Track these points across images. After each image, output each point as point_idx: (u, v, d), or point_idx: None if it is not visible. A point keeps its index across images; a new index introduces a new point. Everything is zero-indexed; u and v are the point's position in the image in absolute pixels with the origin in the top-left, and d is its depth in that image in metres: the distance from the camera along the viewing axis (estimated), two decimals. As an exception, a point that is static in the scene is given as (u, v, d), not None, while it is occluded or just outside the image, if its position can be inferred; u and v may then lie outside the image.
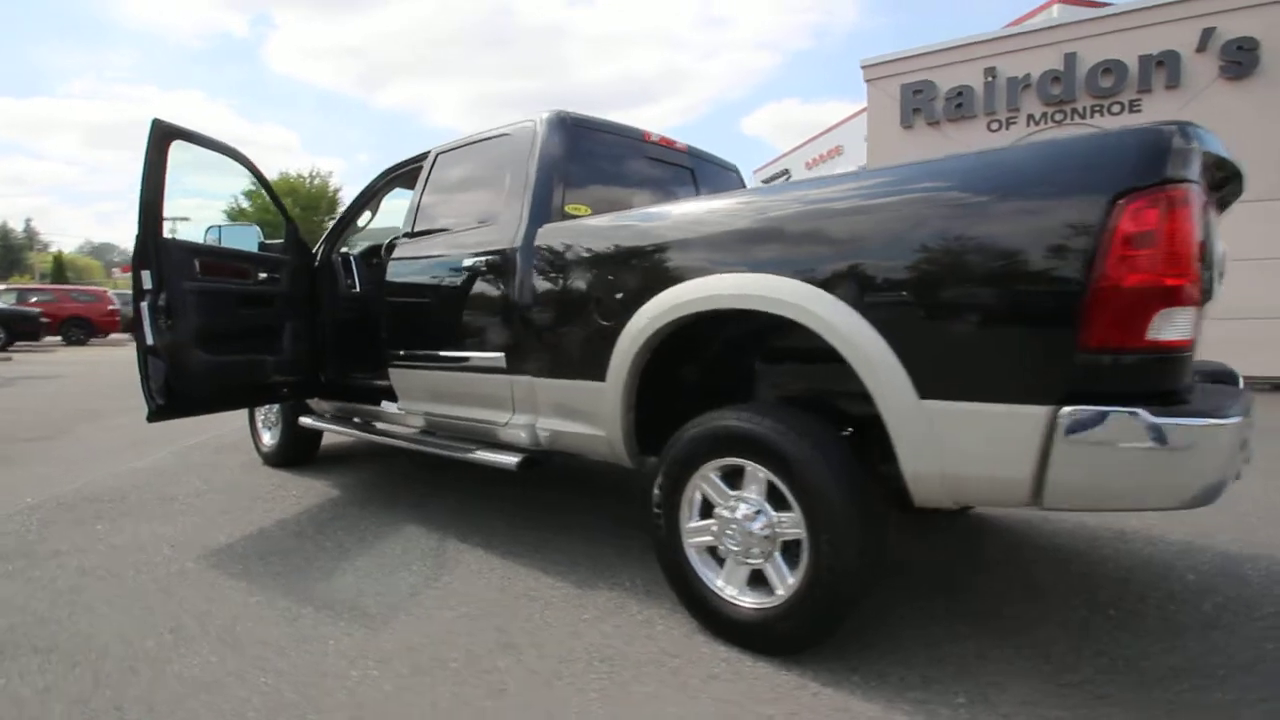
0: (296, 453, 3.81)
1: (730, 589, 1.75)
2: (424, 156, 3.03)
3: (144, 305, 2.60)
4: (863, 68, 12.85)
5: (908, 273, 1.38)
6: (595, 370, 2.03)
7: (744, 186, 3.50)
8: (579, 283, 2.09)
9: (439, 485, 3.37)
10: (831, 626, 1.60)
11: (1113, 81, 10.60)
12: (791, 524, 1.62)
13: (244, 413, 4.21)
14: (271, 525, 2.80)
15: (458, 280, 2.52)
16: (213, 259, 2.99)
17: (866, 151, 13.73)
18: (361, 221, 3.59)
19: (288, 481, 3.50)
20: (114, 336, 18.94)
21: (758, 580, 1.73)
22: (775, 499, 1.67)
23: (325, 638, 1.81)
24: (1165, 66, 10.22)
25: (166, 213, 2.65)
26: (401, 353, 2.81)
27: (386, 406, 3.07)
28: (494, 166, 2.60)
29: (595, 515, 2.87)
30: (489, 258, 2.38)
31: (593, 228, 2.14)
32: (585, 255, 2.08)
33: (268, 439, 3.92)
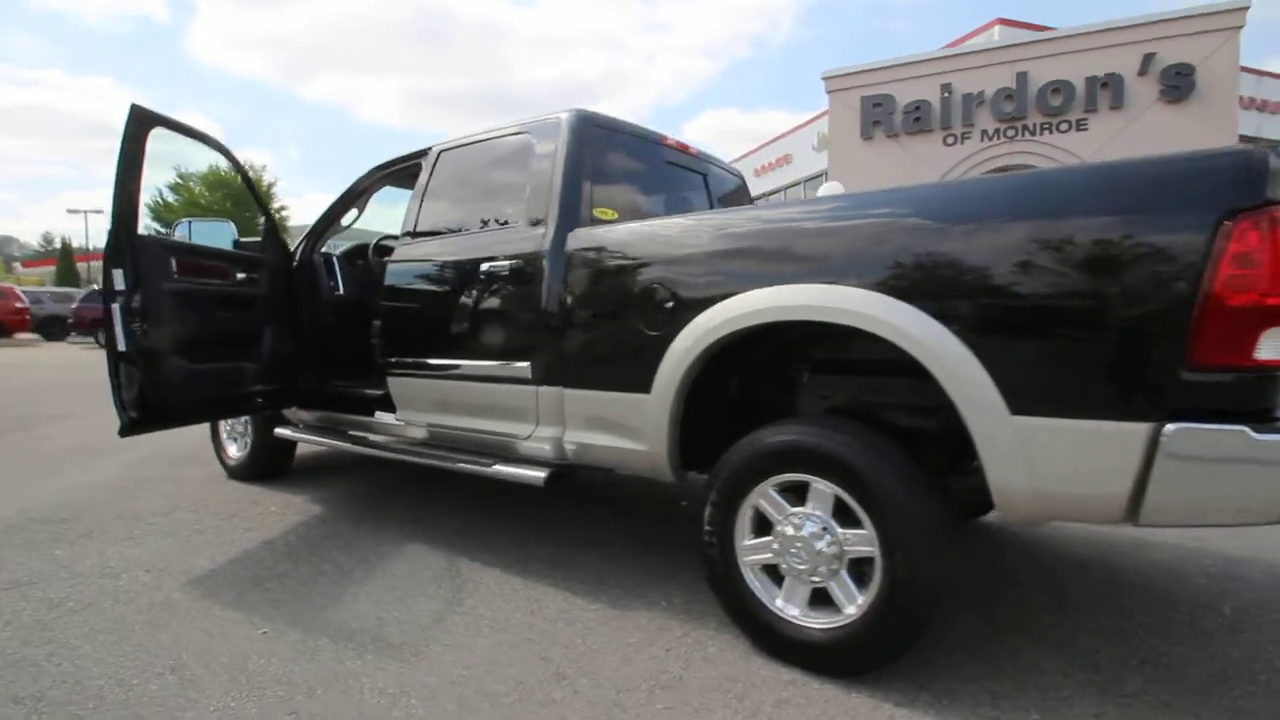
0: (269, 465, 3.57)
1: (792, 609, 1.72)
2: (422, 154, 2.89)
3: (116, 307, 2.38)
4: (824, 79, 13.24)
5: (1000, 287, 1.38)
6: (638, 382, 1.96)
7: (748, 193, 3.50)
8: (620, 290, 2.02)
9: (431, 500, 3.22)
10: (906, 645, 1.59)
11: (1061, 100, 11.26)
12: (862, 541, 1.60)
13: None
14: (257, 546, 2.60)
15: (474, 285, 2.41)
16: (190, 257, 2.76)
17: (828, 161, 14.13)
18: (346, 220, 3.40)
19: (262, 497, 3.28)
20: (21, 336, 17.50)
21: (819, 599, 1.70)
22: (840, 515, 1.65)
23: (355, 674, 1.67)
24: (1110, 88, 10.94)
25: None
26: (403, 361, 2.66)
27: (381, 417, 2.90)
28: (511, 166, 2.50)
29: (604, 529, 2.79)
30: (512, 262, 2.27)
31: (637, 232, 2.07)
32: (628, 262, 2.02)
33: (234, 451, 3.66)
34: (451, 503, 3.15)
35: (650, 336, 1.92)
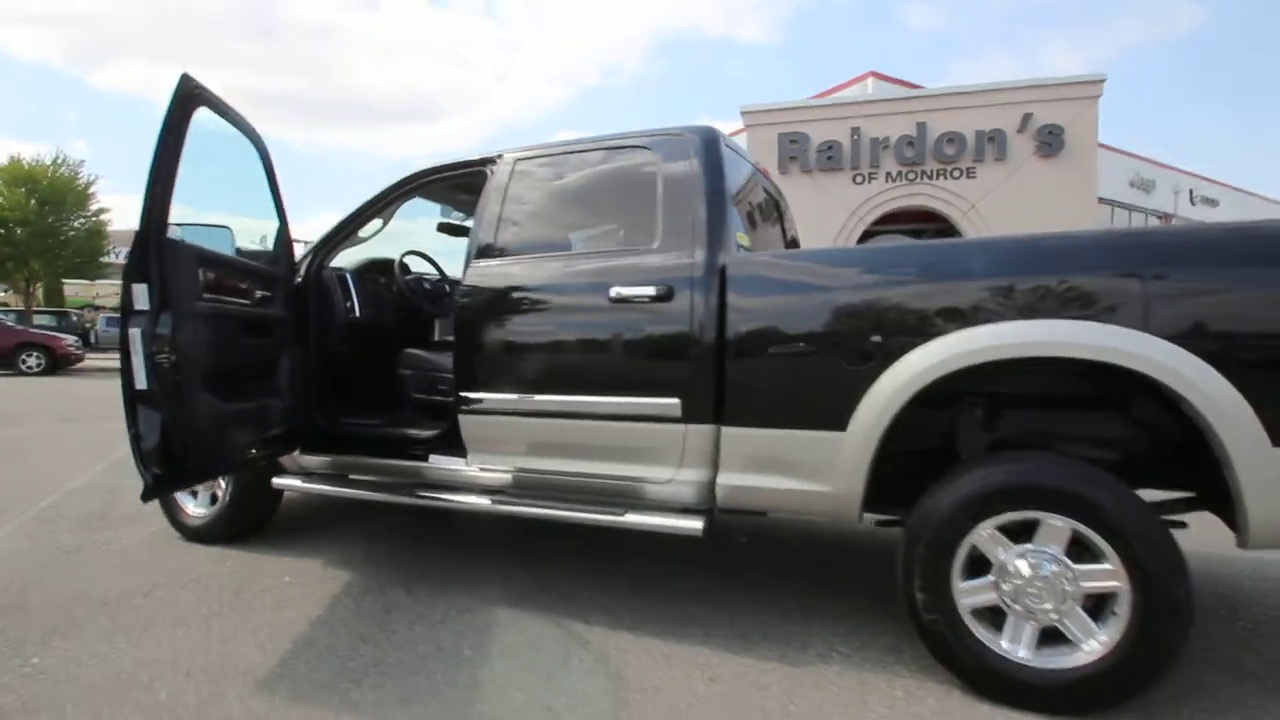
0: (249, 522, 3.02)
1: (1020, 650, 1.72)
2: (485, 163, 2.65)
3: (137, 332, 1.92)
4: (742, 113, 14.02)
5: (1268, 321, 1.50)
6: (830, 419, 1.89)
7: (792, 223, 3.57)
8: (806, 322, 1.95)
9: (470, 554, 2.88)
10: (1152, 678, 1.63)
11: (955, 150, 12.79)
12: (1103, 576, 1.65)
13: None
14: (307, 628, 2.16)
15: (598, 313, 2.21)
16: (223, 271, 2.30)
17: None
18: (365, 233, 3.02)
19: (256, 564, 2.75)
20: None
21: (1046, 638, 1.72)
22: (1073, 550, 1.69)
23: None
24: (995, 142, 12.60)
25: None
26: (485, 398, 2.38)
27: (439, 462, 2.56)
28: (627, 183, 2.35)
29: (691, 579, 2.64)
30: (654, 289, 2.12)
31: (831, 259, 2.03)
32: (819, 292, 1.95)
33: (194, 507, 3.06)
34: (494, 556, 2.84)
35: (850, 371, 1.87)
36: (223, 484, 2.98)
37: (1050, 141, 12.28)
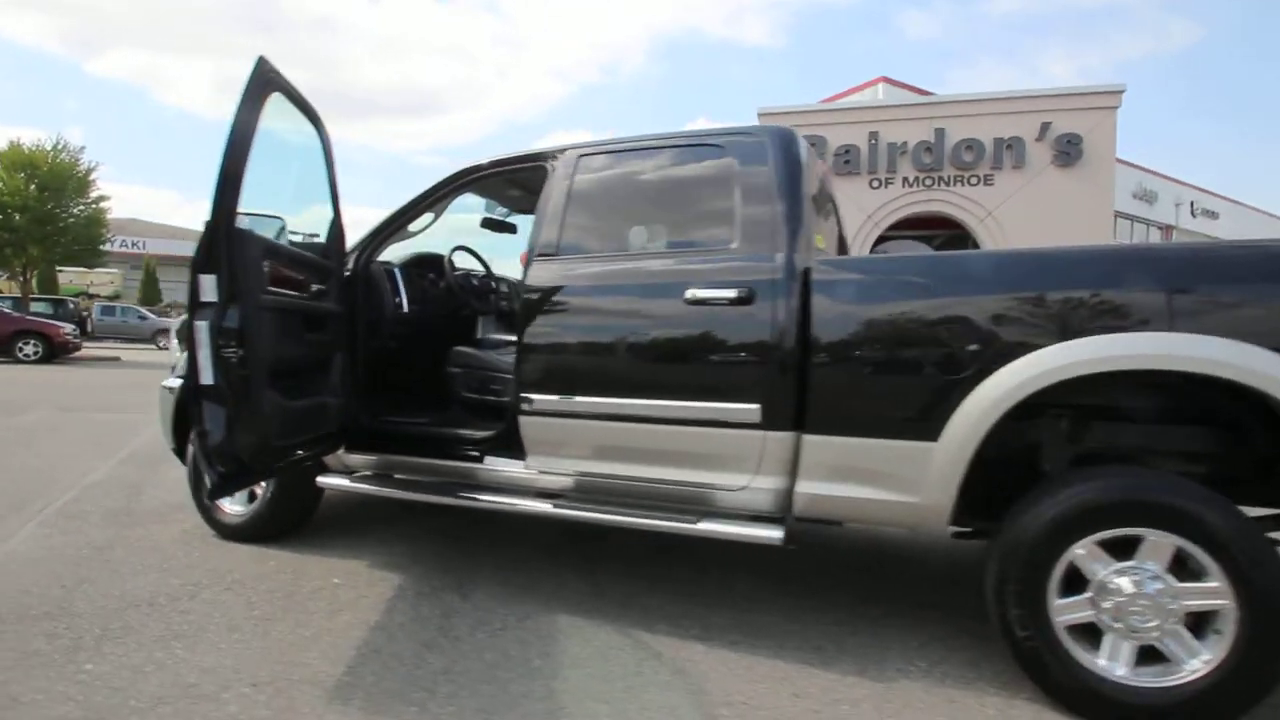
0: (290, 521, 2.98)
1: (1119, 669, 1.69)
2: (546, 157, 2.61)
3: (203, 326, 1.87)
4: (760, 116, 13.99)
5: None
6: (922, 429, 1.86)
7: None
8: (898, 329, 1.91)
9: (507, 549, 2.84)
10: (1258, 699, 1.60)
11: (973, 157, 12.78)
12: (1207, 594, 1.62)
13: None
14: (367, 634, 2.11)
15: (673, 315, 2.17)
16: (286, 264, 2.26)
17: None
18: (416, 227, 2.98)
19: (299, 565, 2.70)
20: None
21: (1142, 657, 1.70)
22: (1173, 567, 1.66)
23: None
24: (1013, 150, 12.60)
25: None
26: (548, 400, 2.33)
27: (495, 464, 2.52)
28: (702, 183, 2.32)
29: (742, 585, 2.61)
30: (733, 291, 2.08)
31: (924, 265, 1.99)
32: (909, 297, 1.92)
33: (230, 505, 3.01)
34: (542, 559, 2.79)
35: (944, 380, 1.84)
36: (263, 482, 2.93)
37: (1069, 151, 12.29)
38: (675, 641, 2.12)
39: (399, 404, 2.94)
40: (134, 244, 33.39)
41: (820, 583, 2.67)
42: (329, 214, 2.62)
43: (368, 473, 2.79)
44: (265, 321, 1.99)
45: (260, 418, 1.95)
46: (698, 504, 2.19)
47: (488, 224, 3.55)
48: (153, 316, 23.76)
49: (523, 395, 2.37)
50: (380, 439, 2.75)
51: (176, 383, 3.14)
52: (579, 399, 2.29)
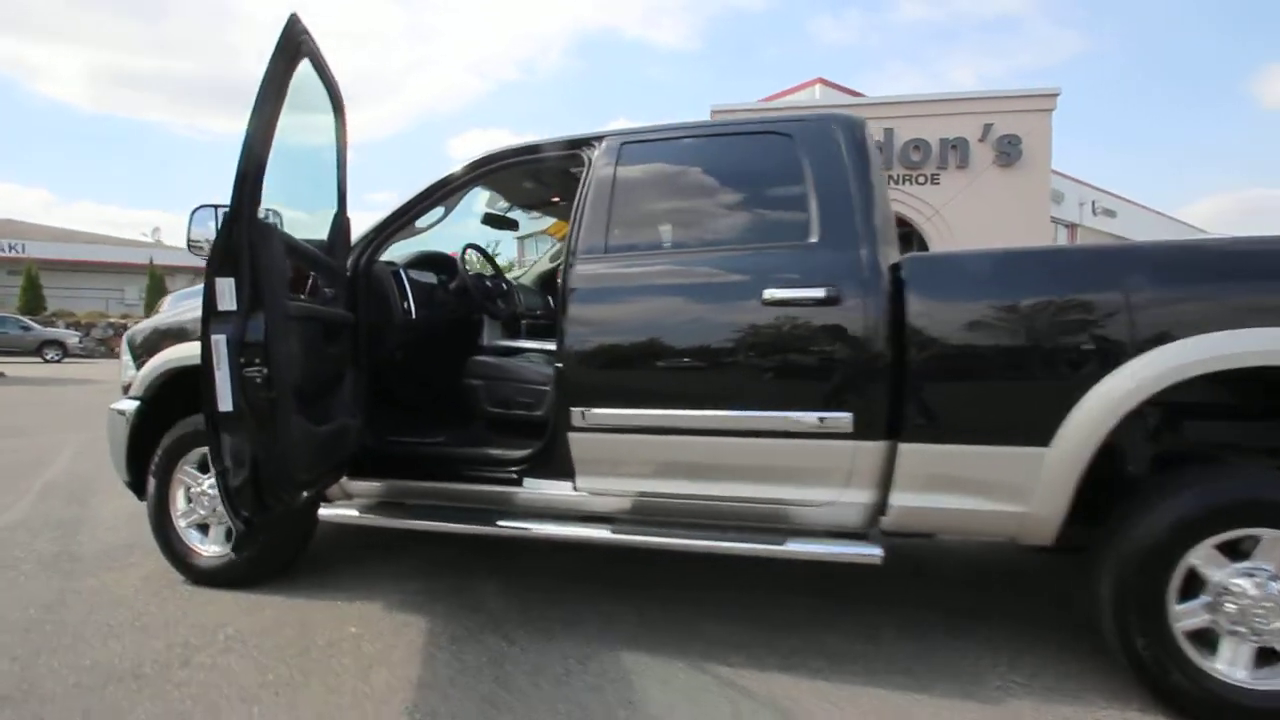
0: (280, 560, 2.64)
1: (1239, 671, 1.68)
2: (579, 145, 2.42)
3: (221, 340, 1.59)
4: (713, 112, 14.06)
5: None
6: (1033, 433, 1.79)
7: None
8: (1005, 328, 1.83)
9: (531, 579, 2.61)
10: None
11: (920, 157, 13.27)
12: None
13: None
14: (411, 693, 1.85)
15: (748, 316, 2.02)
16: (303, 264, 1.96)
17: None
18: (424, 223, 2.71)
19: (292, 609, 2.38)
20: None
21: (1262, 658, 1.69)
22: None
23: None
24: (958, 150, 13.17)
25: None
26: (605, 413, 2.14)
27: (536, 486, 2.30)
28: (769, 173, 2.19)
29: (764, 594, 2.50)
30: (820, 289, 1.96)
31: (1034, 258, 1.94)
32: (1017, 293, 1.84)
33: (205, 544, 2.64)
34: (573, 588, 2.58)
35: (1060, 380, 1.77)
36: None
37: (1009, 151, 12.96)
38: (758, 675, 1.98)
39: (407, 421, 2.67)
40: (12, 247, 30.48)
41: (866, 592, 2.58)
42: (332, 207, 2.33)
43: (375, 501, 2.51)
44: (293, 333, 1.71)
45: (289, 448, 1.67)
46: (774, 522, 2.06)
47: (490, 220, 3.30)
48: (37, 327, 21.63)
49: (571, 409, 2.17)
50: (389, 462, 2.48)
51: (130, 405, 2.73)
52: (640, 412, 2.11)
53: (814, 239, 2.04)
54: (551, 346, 2.91)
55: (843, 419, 1.93)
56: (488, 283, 3.18)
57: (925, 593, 2.64)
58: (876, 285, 1.94)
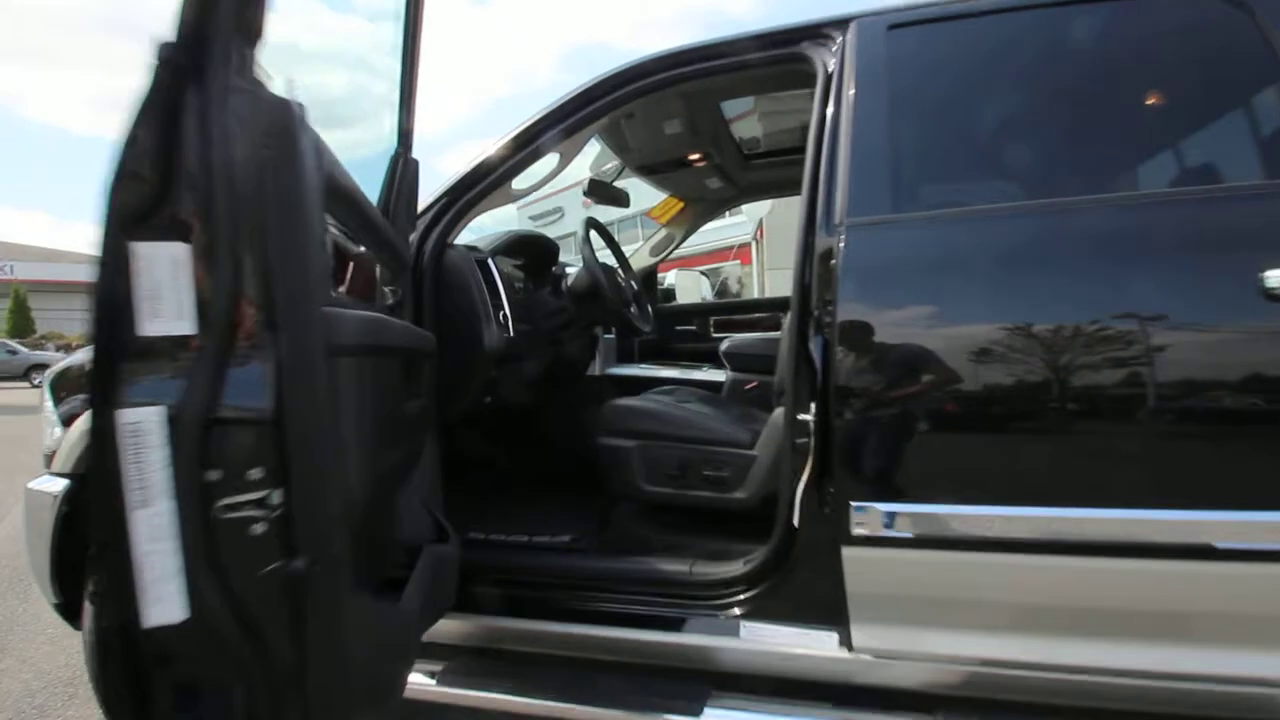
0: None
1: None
2: (803, 36, 1.46)
3: (150, 418, 0.59)
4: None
5: None
6: None
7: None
8: None
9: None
10: None
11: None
12: None
13: None
14: None
15: (1229, 327, 1.04)
16: (345, 224, 0.99)
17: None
18: (521, 184, 1.73)
19: None
20: None
21: None
22: None
23: None
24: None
25: None
26: (929, 512, 1.14)
27: (765, 635, 1.30)
28: (1194, 62, 1.21)
29: None
30: None
31: None
32: None
33: None
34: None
35: None
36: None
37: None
38: None
39: (495, 504, 1.68)
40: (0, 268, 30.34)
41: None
42: (391, 136, 1.36)
43: (458, 658, 1.50)
44: (350, 389, 0.72)
45: (343, 672, 0.68)
46: (1244, 712, 1.07)
47: (595, 190, 2.32)
48: (24, 350, 21.00)
49: (853, 504, 1.17)
50: (474, 578, 1.47)
51: (57, 485, 1.70)
52: (1012, 512, 1.10)
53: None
54: (707, 375, 1.96)
55: None
56: (621, 281, 2.13)
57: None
58: None
